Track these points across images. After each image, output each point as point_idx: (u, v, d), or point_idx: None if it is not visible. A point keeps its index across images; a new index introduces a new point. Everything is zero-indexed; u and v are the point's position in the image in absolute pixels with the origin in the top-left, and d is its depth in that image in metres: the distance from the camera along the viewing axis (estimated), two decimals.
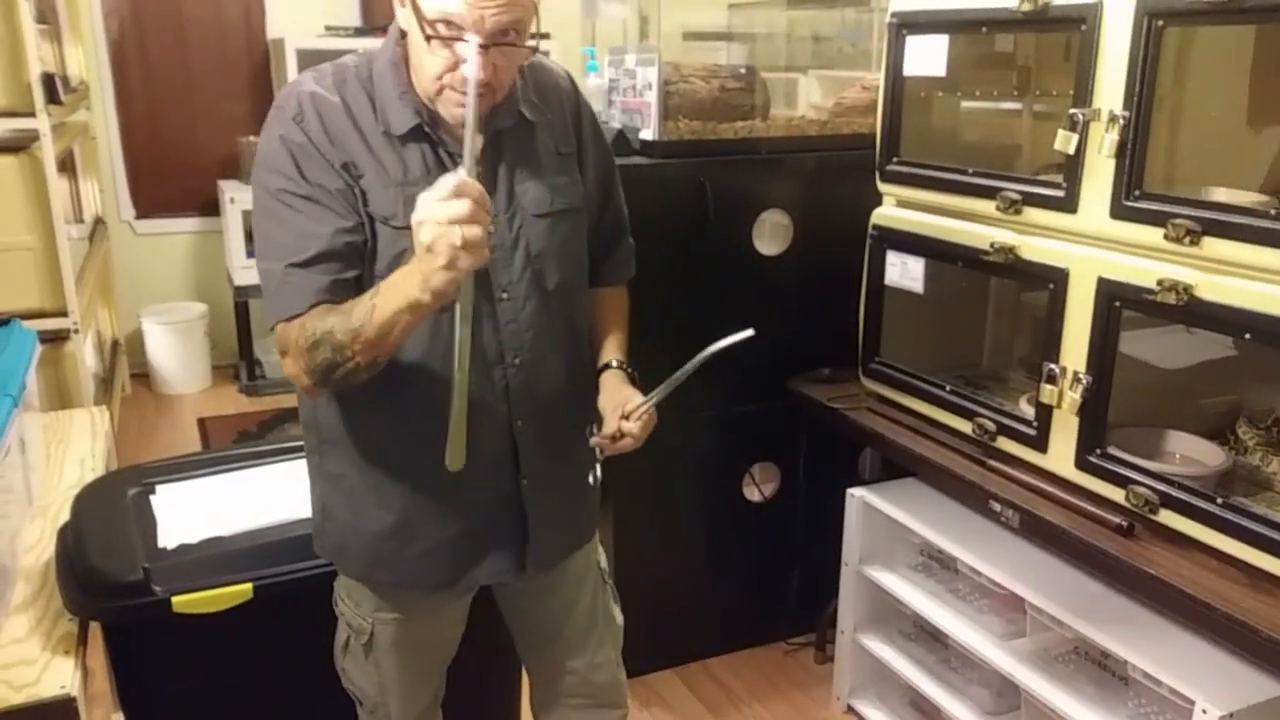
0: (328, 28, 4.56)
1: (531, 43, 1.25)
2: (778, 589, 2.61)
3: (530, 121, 1.38)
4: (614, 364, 1.48)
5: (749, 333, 1.29)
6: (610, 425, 1.39)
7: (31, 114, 2.86)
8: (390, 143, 1.30)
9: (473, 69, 1.14)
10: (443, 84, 1.25)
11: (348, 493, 1.43)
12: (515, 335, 1.36)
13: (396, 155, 1.30)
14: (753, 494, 2.55)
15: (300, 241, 1.26)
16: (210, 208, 4.74)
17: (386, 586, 1.46)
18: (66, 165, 3.81)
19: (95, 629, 1.66)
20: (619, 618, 1.65)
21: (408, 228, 1.16)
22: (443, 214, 1.07)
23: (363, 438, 1.39)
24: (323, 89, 1.30)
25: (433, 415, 1.28)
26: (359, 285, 1.28)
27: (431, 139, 1.31)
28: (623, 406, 1.40)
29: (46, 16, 3.65)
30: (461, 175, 1.09)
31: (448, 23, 1.19)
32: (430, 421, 1.29)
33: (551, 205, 1.38)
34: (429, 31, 1.21)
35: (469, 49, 1.16)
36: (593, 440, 1.42)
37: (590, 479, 1.53)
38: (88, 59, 4.44)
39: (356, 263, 1.28)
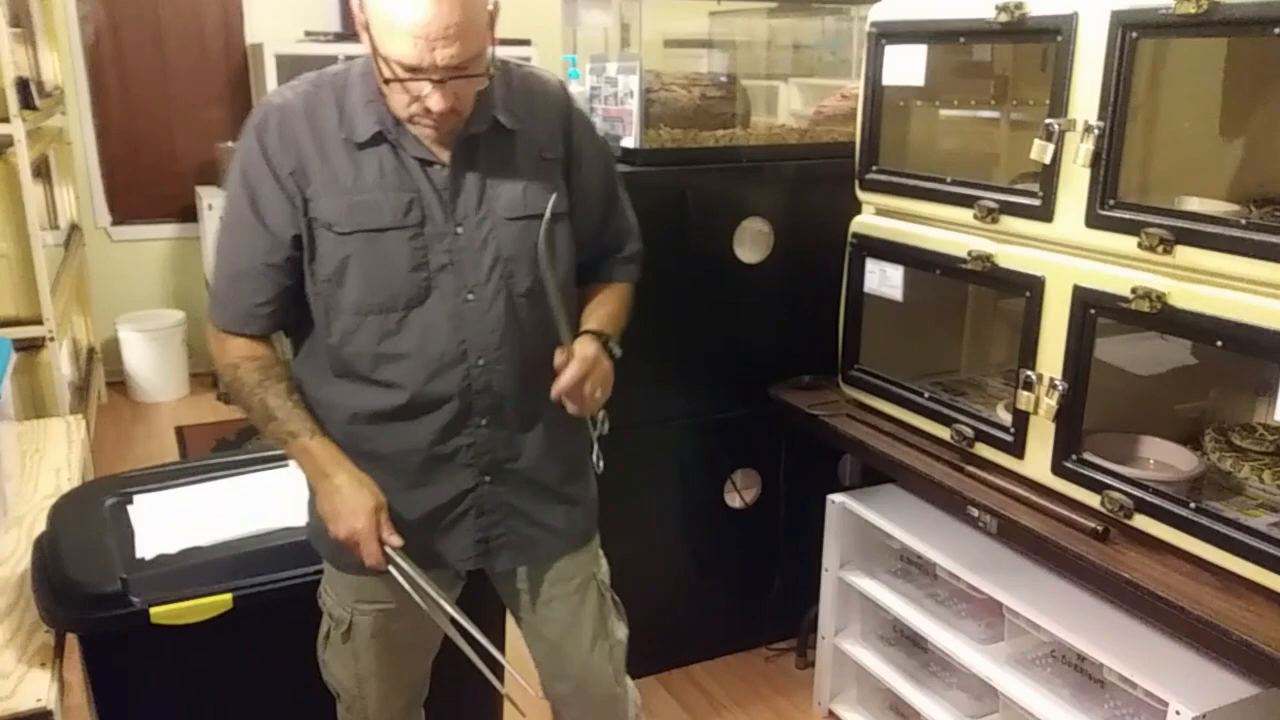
0: (307, 33, 4.54)
1: (493, 64, 1.30)
2: (759, 595, 2.62)
3: (509, 129, 1.39)
4: (589, 330, 1.43)
5: None
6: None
7: (5, 119, 2.85)
8: (348, 149, 1.33)
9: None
10: (410, 114, 1.29)
11: None
12: (480, 336, 1.38)
13: (352, 162, 1.33)
14: (734, 500, 2.55)
15: (235, 253, 1.39)
16: (188, 214, 4.70)
17: (353, 570, 1.46)
18: (41, 171, 3.78)
19: (72, 641, 1.64)
20: (619, 633, 1.62)
21: (352, 233, 1.31)
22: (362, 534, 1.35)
23: (331, 417, 1.42)
24: (292, 96, 1.35)
25: (400, 398, 1.38)
26: (274, 317, 1.41)
27: (392, 143, 1.34)
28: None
29: (20, 20, 3.62)
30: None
31: (403, 64, 1.22)
32: (397, 404, 1.38)
33: (525, 209, 1.39)
34: (386, 74, 1.24)
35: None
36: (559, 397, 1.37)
37: (585, 468, 1.54)
38: (63, 63, 4.40)
39: (270, 291, 1.39)
